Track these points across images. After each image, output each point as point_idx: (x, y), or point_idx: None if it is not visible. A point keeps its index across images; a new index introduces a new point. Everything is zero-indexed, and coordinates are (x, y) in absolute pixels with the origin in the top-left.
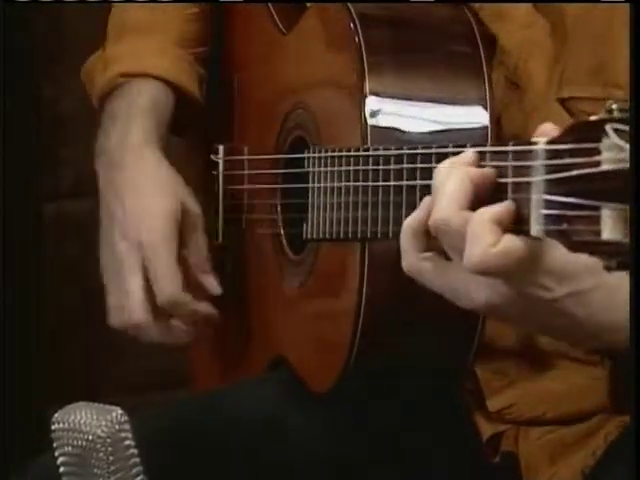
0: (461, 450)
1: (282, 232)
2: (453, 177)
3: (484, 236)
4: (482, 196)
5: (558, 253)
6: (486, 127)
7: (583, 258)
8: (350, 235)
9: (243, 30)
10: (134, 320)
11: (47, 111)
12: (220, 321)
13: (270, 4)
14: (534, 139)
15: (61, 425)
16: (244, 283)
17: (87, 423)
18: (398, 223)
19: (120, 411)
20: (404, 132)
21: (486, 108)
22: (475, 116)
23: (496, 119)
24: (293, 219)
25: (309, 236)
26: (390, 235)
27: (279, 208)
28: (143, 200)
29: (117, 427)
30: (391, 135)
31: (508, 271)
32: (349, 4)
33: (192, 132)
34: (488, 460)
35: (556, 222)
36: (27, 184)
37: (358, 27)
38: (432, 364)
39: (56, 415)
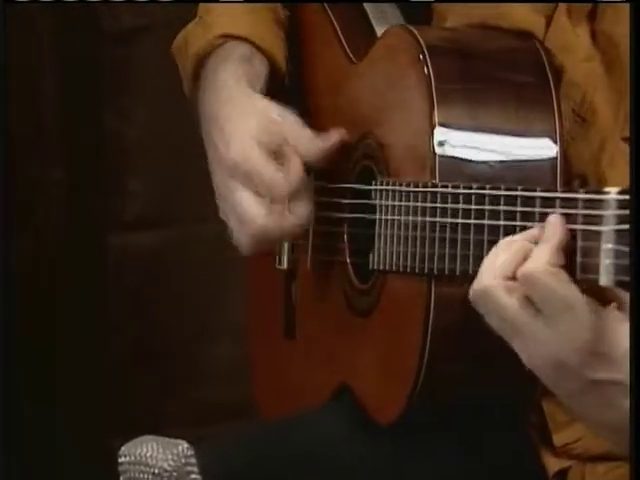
0: None
1: (348, 260)
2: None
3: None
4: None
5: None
6: (555, 160)
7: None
8: (417, 270)
9: (313, 57)
10: (258, 226)
11: (112, 143)
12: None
13: (340, 33)
14: (606, 188)
15: (128, 458)
16: (309, 310)
17: (153, 456)
18: (465, 262)
19: (186, 445)
20: (472, 163)
21: (555, 141)
22: (544, 148)
23: (564, 151)
24: (360, 248)
25: (376, 266)
26: (457, 273)
27: (346, 237)
28: (231, 128)
29: (183, 460)
30: (459, 166)
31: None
32: (418, 35)
33: None
34: None
35: (625, 273)
36: (91, 215)
37: (427, 58)
38: (498, 397)
39: (123, 448)
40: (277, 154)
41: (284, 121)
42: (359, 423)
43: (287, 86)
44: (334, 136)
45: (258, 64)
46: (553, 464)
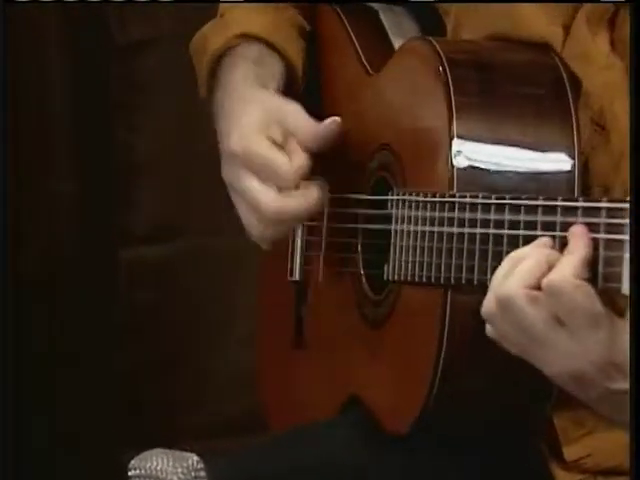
0: None
1: (362, 272)
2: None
3: None
4: None
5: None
6: (572, 173)
7: None
8: (433, 280)
9: (330, 69)
10: (270, 210)
11: (123, 156)
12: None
13: (357, 44)
14: (629, 197)
15: (138, 472)
16: (321, 321)
17: (163, 470)
18: (483, 272)
19: (196, 458)
20: (490, 175)
21: (573, 155)
22: (562, 162)
23: (583, 163)
24: (373, 259)
25: (390, 277)
26: (475, 283)
27: (359, 248)
28: (235, 119)
29: (193, 474)
30: (477, 178)
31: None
32: (438, 47)
33: None
34: None
35: None
36: (103, 228)
37: (447, 70)
38: (511, 409)
39: (133, 462)
40: (281, 142)
41: (285, 109)
42: (368, 435)
43: (303, 93)
44: (333, 123)
45: (271, 64)
46: (563, 478)
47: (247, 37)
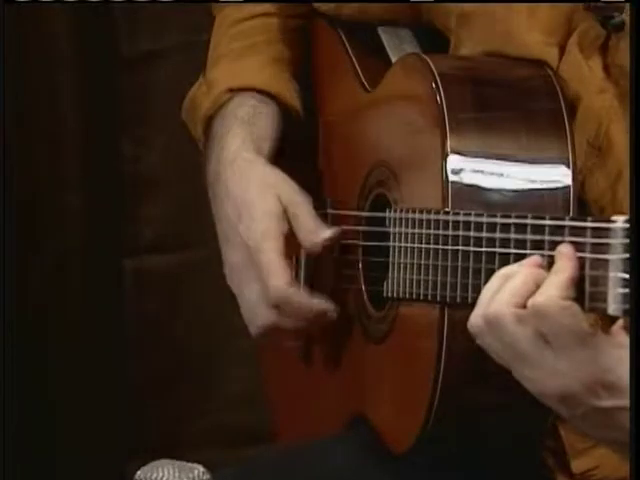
0: None
1: (363, 288)
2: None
3: None
4: None
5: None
6: (568, 187)
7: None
8: (430, 297)
9: (328, 85)
10: (260, 325)
11: (128, 168)
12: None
13: (355, 61)
14: (614, 217)
15: None
16: (326, 337)
17: None
18: (477, 290)
19: (202, 469)
20: (485, 191)
21: (568, 167)
22: (557, 175)
23: (580, 184)
24: (374, 276)
25: (390, 294)
26: (469, 301)
27: (360, 264)
28: (240, 206)
29: None
30: (472, 194)
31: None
32: (431, 64)
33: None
34: None
35: None
36: (108, 240)
37: (440, 86)
38: (512, 424)
39: (139, 472)
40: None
41: (293, 206)
42: (371, 453)
43: (303, 119)
44: (333, 231)
45: (265, 115)
46: None
47: (237, 90)
